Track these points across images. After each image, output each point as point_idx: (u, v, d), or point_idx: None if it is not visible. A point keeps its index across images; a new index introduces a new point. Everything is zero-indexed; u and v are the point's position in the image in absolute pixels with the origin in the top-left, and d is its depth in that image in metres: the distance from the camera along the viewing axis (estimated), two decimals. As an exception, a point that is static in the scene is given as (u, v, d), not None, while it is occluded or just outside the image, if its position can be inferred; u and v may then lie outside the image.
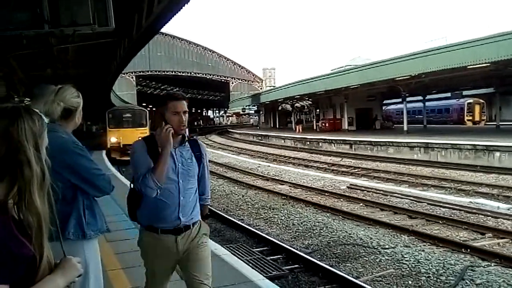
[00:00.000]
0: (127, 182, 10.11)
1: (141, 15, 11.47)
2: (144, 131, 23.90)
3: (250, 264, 6.63)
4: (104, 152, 25.83)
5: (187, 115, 3.04)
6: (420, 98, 39.83)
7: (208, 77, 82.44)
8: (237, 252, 7.92)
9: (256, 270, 5.92)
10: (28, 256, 1.35)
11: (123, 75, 53.55)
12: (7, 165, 1.37)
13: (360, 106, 40.26)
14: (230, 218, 11.32)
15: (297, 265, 7.60)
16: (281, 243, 8.73)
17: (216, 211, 12.10)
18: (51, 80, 15.82)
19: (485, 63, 21.30)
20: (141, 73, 72.26)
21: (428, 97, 40.38)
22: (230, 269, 5.04)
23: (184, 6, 10.70)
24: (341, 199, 13.34)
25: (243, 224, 10.58)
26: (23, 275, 1.34)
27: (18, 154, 1.38)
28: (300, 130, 43.55)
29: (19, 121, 1.40)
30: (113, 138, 25.44)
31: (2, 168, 1.36)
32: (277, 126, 56.75)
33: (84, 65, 17.87)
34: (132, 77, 69.70)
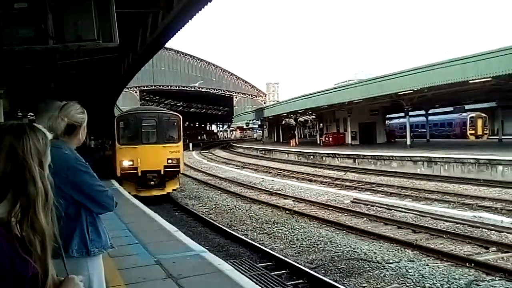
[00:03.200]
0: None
1: (145, 30, 11.62)
2: (177, 150, 16.51)
3: (254, 280, 6.59)
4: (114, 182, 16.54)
5: None
6: (423, 112, 39.87)
7: (212, 92, 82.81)
8: (240, 267, 7.88)
9: (260, 286, 5.90)
10: (32, 274, 1.34)
11: (127, 90, 53.79)
12: (12, 182, 1.36)
13: (363, 120, 40.28)
14: (233, 233, 11.28)
15: (301, 281, 7.55)
16: (285, 258, 8.69)
17: (220, 226, 12.06)
18: (55, 95, 15.94)
19: (487, 77, 21.36)
20: (145, 88, 72.66)
21: (431, 111, 40.42)
22: (234, 285, 5.02)
23: (188, 22, 10.85)
24: (345, 214, 13.28)
25: (246, 239, 10.54)
26: None
27: (23, 172, 1.37)
28: (294, 144, 43.90)
29: (24, 139, 1.40)
30: (126, 161, 16.01)
31: (5, 185, 1.36)
32: (281, 141, 56.73)
33: (88, 80, 18.03)
34: (136, 92, 70.04)
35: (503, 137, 34.38)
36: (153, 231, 8.25)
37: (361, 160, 27.95)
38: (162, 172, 16.14)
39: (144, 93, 77.02)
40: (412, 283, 7.23)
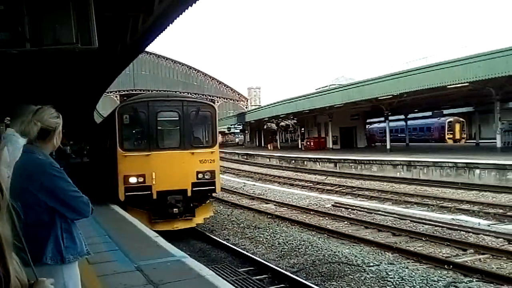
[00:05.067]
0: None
1: (125, 34, 11.52)
2: (211, 158, 11.39)
3: (236, 285, 6.56)
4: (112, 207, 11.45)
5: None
6: (402, 117, 40.47)
7: (193, 96, 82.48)
8: (222, 272, 7.84)
9: (241, 290, 5.87)
10: None
11: (107, 94, 53.24)
12: None
13: (344, 125, 40.67)
14: (215, 238, 11.24)
15: (282, 285, 7.56)
16: (266, 263, 8.69)
17: (201, 231, 11.99)
18: (31, 99, 15.66)
19: (464, 83, 21.83)
20: (126, 92, 72.00)
21: (410, 116, 41.05)
22: (214, 290, 4.99)
23: (168, 26, 10.79)
24: (326, 217, 13.36)
25: (228, 244, 10.51)
26: None
27: None
28: (272, 147, 44.31)
29: None
30: (133, 177, 10.81)
31: None
32: (263, 145, 56.85)
33: (67, 84, 17.77)
34: (116, 96, 69.37)
35: (480, 141, 35.16)
36: (134, 237, 8.14)
37: (342, 164, 28.18)
38: (189, 193, 10.99)
39: (125, 98, 76.21)
40: (392, 286, 7.30)
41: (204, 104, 12.18)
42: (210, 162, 11.32)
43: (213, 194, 12.43)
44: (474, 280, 7.43)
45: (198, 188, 11.13)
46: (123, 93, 71.45)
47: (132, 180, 10.72)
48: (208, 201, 12.00)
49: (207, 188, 11.35)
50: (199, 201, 11.52)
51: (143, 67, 72.89)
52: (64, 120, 2.90)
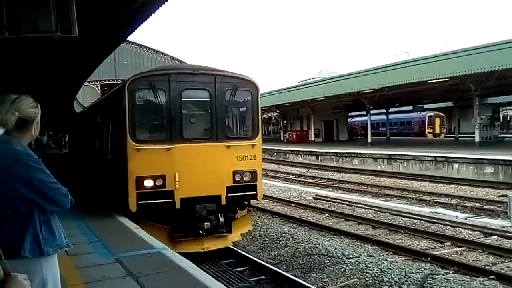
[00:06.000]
0: None
1: (106, 23, 11.32)
2: (251, 154, 8.85)
3: (216, 276, 6.57)
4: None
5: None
6: (383, 111, 40.92)
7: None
8: (202, 264, 7.84)
9: (223, 283, 5.87)
10: None
11: (88, 83, 52.34)
12: None
13: (326, 118, 40.91)
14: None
15: (263, 276, 7.60)
16: (247, 255, 8.72)
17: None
18: (9, 88, 15.32)
19: (444, 78, 22.16)
20: (107, 82, 70.97)
21: (391, 110, 41.53)
22: (195, 282, 4.99)
23: (150, 16, 10.62)
24: (307, 210, 13.46)
25: (209, 236, 10.44)
26: None
27: None
28: None
29: None
30: (148, 180, 8.01)
31: None
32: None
33: (46, 72, 17.42)
34: (97, 86, 68.31)
35: (459, 135, 35.83)
36: (114, 229, 8.06)
37: (324, 157, 28.39)
38: (222, 201, 8.46)
39: (106, 87, 75.15)
40: (371, 278, 7.42)
41: (244, 80, 9.08)
42: (251, 159, 8.73)
43: (253, 202, 9.73)
44: (451, 272, 7.60)
45: (234, 194, 8.62)
46: (105, 82, 70.52)
47: (148, 183, 7.93)
48: (247, 210, 9.56)
49: (246, 194, 8.86)
50: (232, 209, 9.15)
51: (125, 56, 71.70)
52: (43, 110, 2.83)
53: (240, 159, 8.64)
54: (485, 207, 12.99)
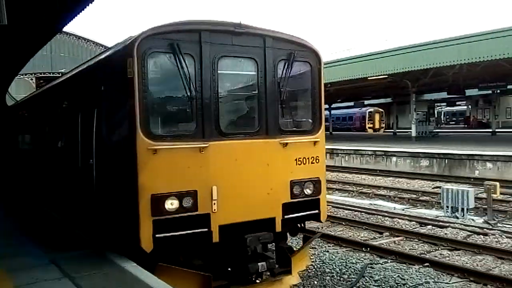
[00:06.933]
0: None
1: (40, 10, 10.69)
2: (314, 154, 6.16)
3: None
4: None
5: None
6: (326, 106, 41.93)
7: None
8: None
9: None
10: None
11: (21, 76, 49.49)
12: None
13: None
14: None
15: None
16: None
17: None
18: None
19: (384, 75, 23.02)
20: (42, 75, 67.50)
21: (334, 105, 42.62)
22: (136, 281, 4.81)
23: (87, 5, 10.15)
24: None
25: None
26: None
27: None
28: None
29: None
30: (171, 199, 4.99)
31: None
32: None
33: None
34: (31, 79, 64.81)
35: (397, 130, 37.48)
36: (48, 228, 7.65)
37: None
38: (277, 227, 5.83)
39: (41, 80, 71.42)
40: (314, 269, 7.55)
41: (303, 46, 6.26)
42: (313, 163, 6.16)
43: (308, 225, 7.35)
44: (389, 261, 7.91)
45: (293, 215, 5.97)
46: (40, 76, 67.04)
47: (171, 204, 5.07)
48: (304, 236, 6.95)
49: (307, 213, 6.17)
50: (285, 237, 6.56)
51: (61, 48, 68.53)
52: None
53: (300, 162, 6.01)
54: (421, 198, 13.65)
